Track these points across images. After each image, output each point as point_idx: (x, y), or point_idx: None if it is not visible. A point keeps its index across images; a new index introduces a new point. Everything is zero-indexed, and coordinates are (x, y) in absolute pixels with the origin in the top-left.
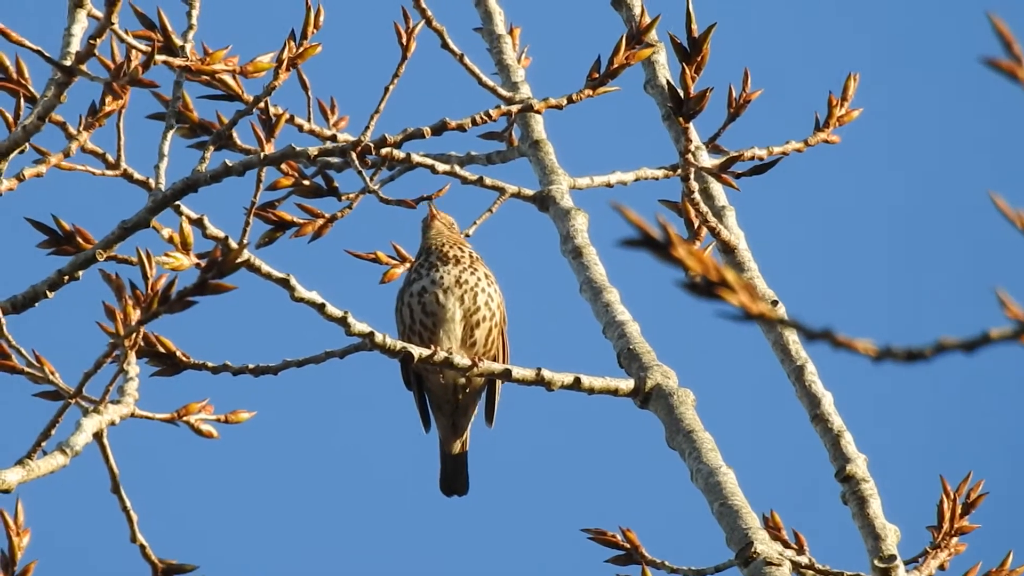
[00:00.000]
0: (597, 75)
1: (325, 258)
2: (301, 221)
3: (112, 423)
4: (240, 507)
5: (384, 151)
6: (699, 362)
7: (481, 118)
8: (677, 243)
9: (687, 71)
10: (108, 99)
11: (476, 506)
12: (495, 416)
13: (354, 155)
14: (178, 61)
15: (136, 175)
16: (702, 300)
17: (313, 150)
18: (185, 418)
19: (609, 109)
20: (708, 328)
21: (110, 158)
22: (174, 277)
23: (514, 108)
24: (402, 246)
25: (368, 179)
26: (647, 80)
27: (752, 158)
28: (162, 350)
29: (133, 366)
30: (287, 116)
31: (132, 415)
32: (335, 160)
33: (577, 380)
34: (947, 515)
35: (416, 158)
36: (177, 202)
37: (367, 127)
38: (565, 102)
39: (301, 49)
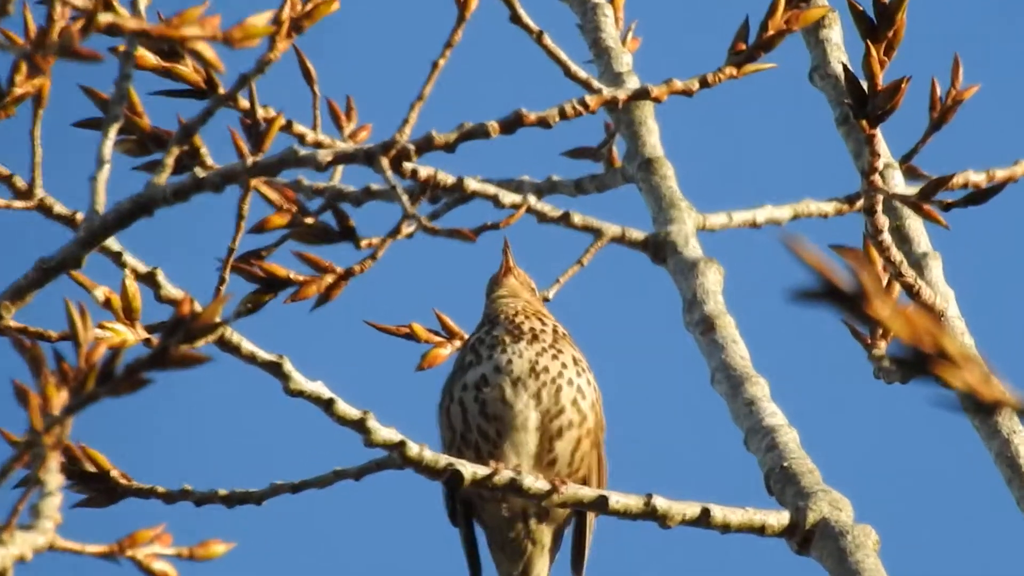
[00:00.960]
0: (744, 47)
1: (336, 331)
2: (301, 278)
3: (21, 559)
4: None
5: (427, 176)
6: (884, 486)
7: (573, 108)
8: (874, 294)
9: (874, 53)
10: (20, 77)
11: None
12: (585, 564)
13: (385, 162)
14: (132, 22)
15: (58, 208)
16: (906, 377)
17: (326, 155)
18: (130, 551)
19: (758, 107)
20: (898, 434)
21: (20, 182)
22: (115, 349)
23: (621, 95)
24: (450, 316)
25: (406, 200)
26: (814, 66)
27: (965, 185)
28: (91, 468)
29: (54, 475)
30: (283, 121)
31: (51, 546)
32: (351, 190)
33: (705, 512)
34: None
35: (473, 185)
36: (119, 249)
37: (405, 120)
38: (697, 86)
39: (310, 5)
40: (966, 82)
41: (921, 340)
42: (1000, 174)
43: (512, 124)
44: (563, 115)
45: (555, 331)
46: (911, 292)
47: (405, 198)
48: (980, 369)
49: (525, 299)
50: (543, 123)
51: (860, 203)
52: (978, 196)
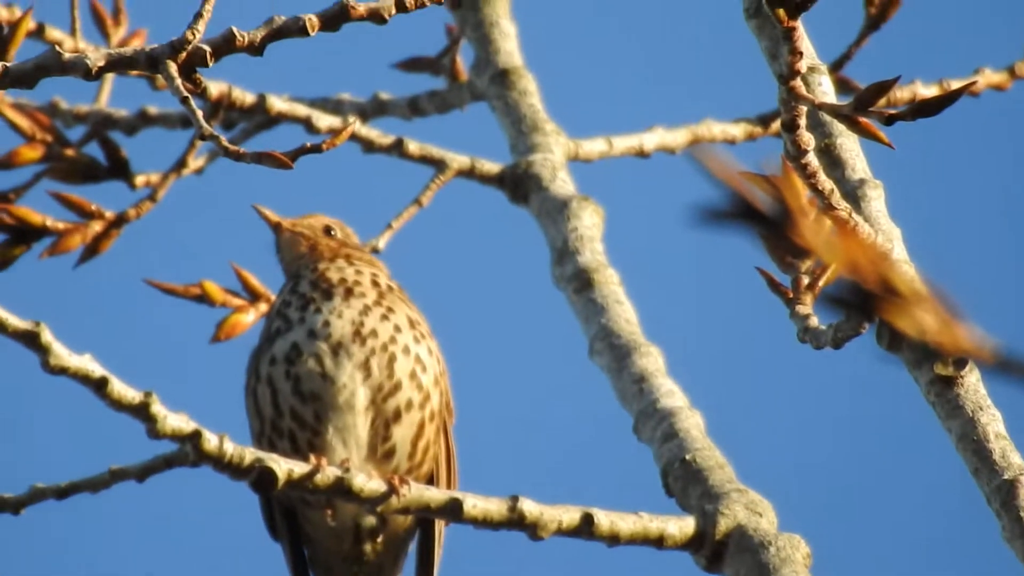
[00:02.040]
0: None
1: (109, 292)
2: (61, 226)
3: None
4: None
5: (220, 93)
6: (816, 483)
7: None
8: (801, 216)
9: None
10: None
11: None
12: None
13: (174, 67)
14: None
15: None
16: (840, 339)
17: (97, 58)
18: None
19: (644, 7)
20: (830, 414)
21: None
22: None
23: None
24: (254, 274)
25: (201, 115)
26: None
27: (913, 99)
28: None
29: None
30: (32, 24)
31: None
32: (123, 114)
33: (587, 519)
34: None
35: (279, 105)
36: None
37: (198, 15)
38: None
39: None
40: None
41: (864, 273)
42: (956, 84)
43: (336, 19)
44: (401, 7)
45: (377, 283)
46: (845, 228)
47: (200, 114)
48: (943, 311)
49: (326, 245)
50: (375, 17)
51: (777, 121)
52: (928, 106)
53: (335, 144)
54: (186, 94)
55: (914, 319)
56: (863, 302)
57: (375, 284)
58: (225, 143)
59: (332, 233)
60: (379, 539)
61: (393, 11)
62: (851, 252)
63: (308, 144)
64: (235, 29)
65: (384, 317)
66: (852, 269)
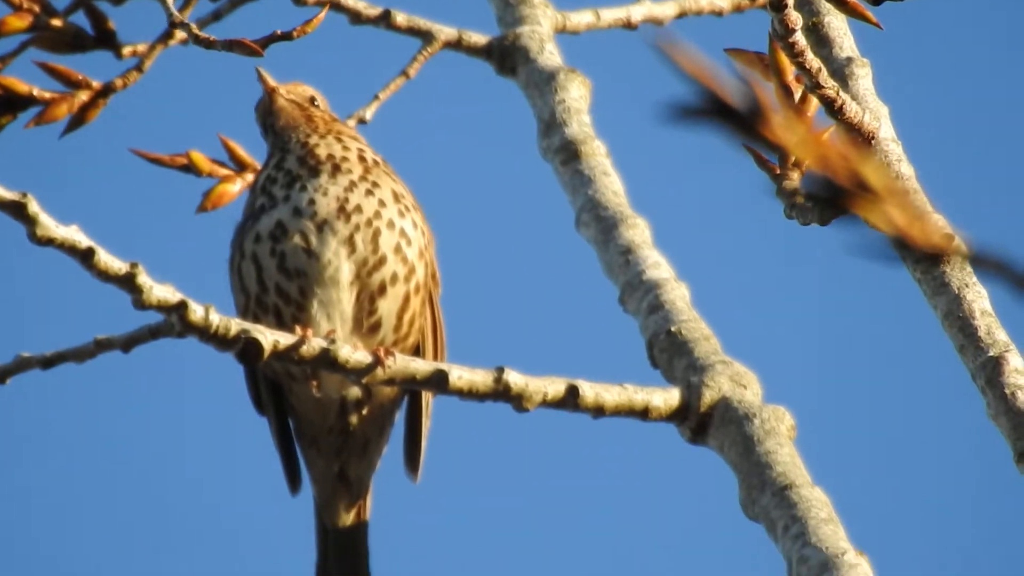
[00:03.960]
0: None
1: (96, 162)
2: (48, 95)
3: None
4: None
5: None
6: (800, 355)
7: None
8: (773, 110)
9: None
10: None
11: None
12: (422, 460)
13: None
14: None
15: None
16: (824, 218)
17: None
18: None
19: None
20: (815, 288)
21: None
22: None
23: None
24: (240, 144)
25: (171, 4)
26: None
27: None
28: None
29: None
30: None
31: None
32: None
33: (572, 391)
34: None
35: None
36: None
37: None
38: None
39: None
40: None
41: (836, 169)
42: None
43: None
44: None
45: (363, 158)
46: (832, 108)
47: (170, 1)
48: (913, 206)
49: (312, 116)
50: None
51: None
52: None
53: (306, 32)
54: None
55: (885, 214)
56: (835, 197)
57: (361, 159)
58: (196, 31)
59: (316, 104)
60: (364, 411)
61: None
62: (822, 148)
63: (279, 32)
64: None
65: (369, 192)
66: (823, 165)
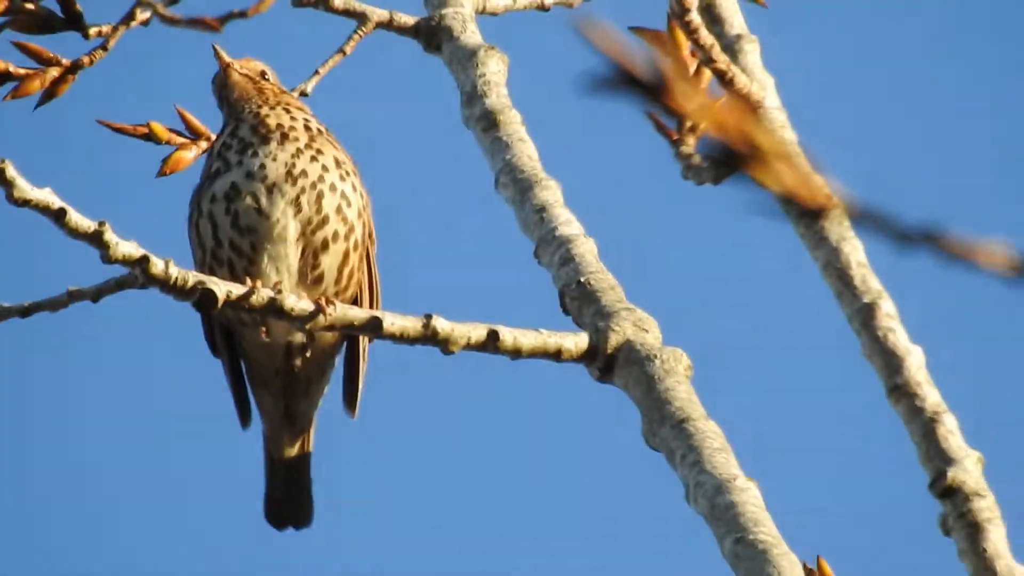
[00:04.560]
0: None
1: (65, 131)
2: (22, 72)
3: None
4: None
5: None
6: (696, 303)
7: None
8: (677, 82)
9: None
10: None
11: (325, 546)
12: (359, 398)
13: None
14: None
15: None
16: (717, 178)
17: None
18: None
19: None
20: (711, 243)
21: None
22: None
23: None
24: (195, 115)
25: None
26: None
27: None
28: None
29: None
30: None
31: None
32: None
33: (493, 335)
34: None
35: None
36: None
37: None
38: None
39: None
40: None
41: (731, 133)
42: None
43: None
44: None
45: (308, 127)
46: (723, 80)
47: None
48: (800, 167)
49: (263, 89)
50: None
51: None
52: None
53: (260, 10)
54: None
55: (775, 174)
56: (729, 158)
57: (307, 129)
58: (161, 10)
59: (266, 77)
60: (307, 354)
61: None
62: (719, 114)
63: (236, 10)
64: None
65: (313, 159)
66: (720, 129)
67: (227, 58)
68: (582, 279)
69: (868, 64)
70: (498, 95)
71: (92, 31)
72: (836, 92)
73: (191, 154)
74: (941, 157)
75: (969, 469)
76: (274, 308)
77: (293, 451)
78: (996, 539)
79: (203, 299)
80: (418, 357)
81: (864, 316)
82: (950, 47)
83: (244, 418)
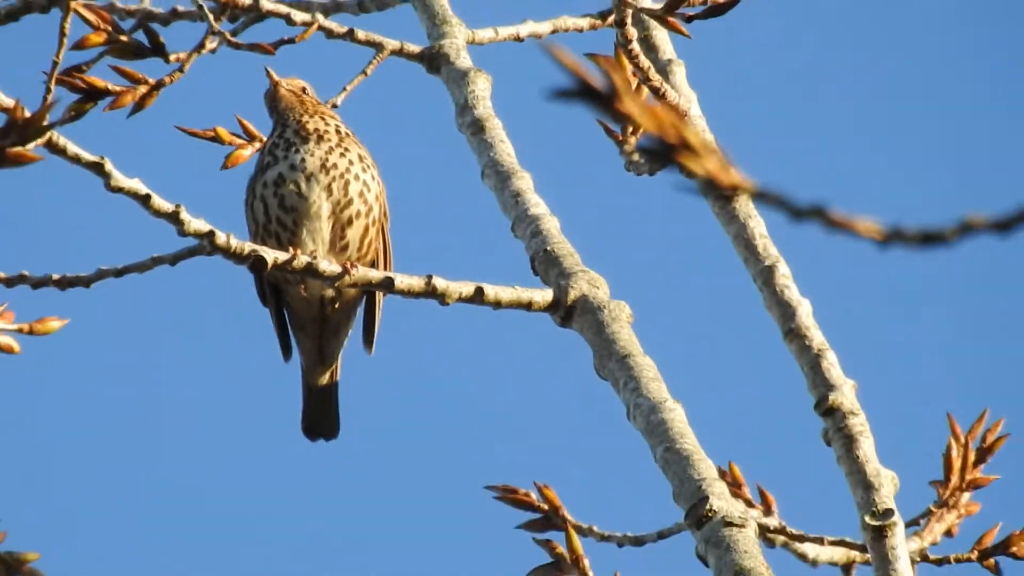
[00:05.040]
0: None
1: (151, 137)
2: (118, 89)
3: None
4: (42, 447)
5: (236, 2)
6: (636, 266)
7: None
8: (625, 93)
9: None
10: None
11: (349, 454)
12: (375, 339)
13: None
14: None
15: None
16: (653, 168)
17: None
18: None
19: None
20: (648, 220)
21: None
22: None
23: None
24: (250, 122)
25: (211, 17)
26: None
27: (706, 3)
28: None
29: None
30: None
31: None
32: (160, 11)
33: (479, 291)
34: (956, 465)
35: (267, 4)
36: None
37: None
38: None
39: None
40: None
41: (666, 132)
42: None
43: None
44: None
45: (339, 131)
46: (657, 95)
47: (211, 16)
48: (718, 158)
49: (304, 102)
50: None
51: (612, 18)
52: (716, 9)
53: (304, 37)
54: (200, 3)
55: (701, 164)
56: (666, 152)
57: (337, 132)
58: (228, 36)
59: (306, 92)
60: (336, 305)
61: None
62: (658, 117)
63: (286, 37)
64: None
65: (342, 155)
66: (659, 129)
67: (276, 77)
68: (548, 248)
69: (766, 79)
70: (484, 106)
71: (172, 57)
72: (743, 103)
73: (247, 152)
74: (824, 148)
75: (846, 394)
76: (311, 270)
77: (324, 380)
78: (866, 448)
79: (256, 263)
80: (420, 307)
81: (765, 276)
82: (823, 58)
83: (286, 354)
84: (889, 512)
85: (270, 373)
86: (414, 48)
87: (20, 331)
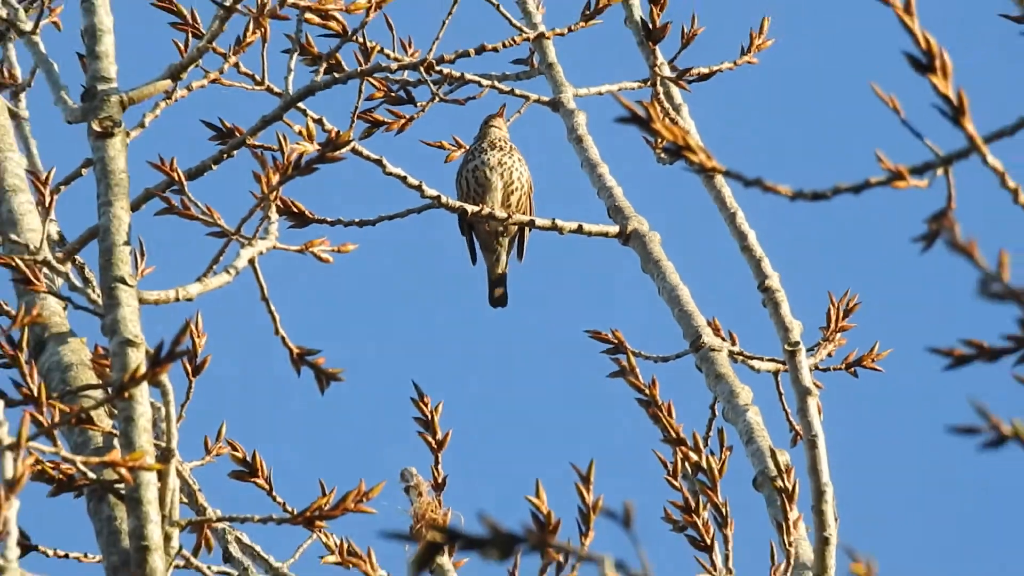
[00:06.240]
0: (588, 11)
1: (406, 147)
2: (389, 121)
3: (261, 252)
4: (341, 310)
5: (444, 68)
6: (664, 213)
7: (509, 42)
8: (656, 119)
9: (654, 10)
10: (251, 30)
11: (514, 320)
12: (524, 253)
13: (422, 69)
14: (303, 1)
15: (274, 88)
16: (672, 160)
17: (395, 66)
18: (310, 249)
19: (600, 38)
20: (671, 189)
21: (257, 77)
22: (301, 153)
23: (531, 34)
24: (460, 138)
25: (434, 88)
26: (626, 16)
27: (697, 74)
28: (295, 209)
29: (274, 215)
30: (378, 47)
31: (274, 247)
32: (412, 78)
33: (580, 226)
34: (833, 318)
35: (468, 76)
36: (301, 104)
37: (430, 50)
38: (566, 31)
39: None
40: (703, 23)
41: (678, 141)
42: (715, 68)
43: (480, 50)
44: (504, 45)
45: (510, 145)
46: (673, 122)
47: (433, 87)
48: (705, 154)
49: (498, 132)
50: (495, 49)
51: (649, 81)
52: (706, 76)
53: (482, 95)
54: (428, 80)
55: (697, 157)
56: (678, 151)
57: (509, 146)
58: (441, 96)
59: (499, 126)
60: (504, 234)
61: (501, 47)
62: (674, 133)
63: (474, 95)
64: (444, 55)
65: (509, 156)
66: (675, 139)
67: (503, 112)
68: (616, 203)
69: (741, 113)
70: (582, 129)
71: (418, 104)
72: (726, 130)
73: (458, 155)
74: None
75: (774, 278)
76: (491, 216)
77: (498, 273)
78: (785, 308)
79: (462, 213)
80: (549, 243)
81: (730, 220)
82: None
83: (474, 260)
84: (797, 343)
85: (465, 271)
86: (545, 99)
87: (333, 251)
